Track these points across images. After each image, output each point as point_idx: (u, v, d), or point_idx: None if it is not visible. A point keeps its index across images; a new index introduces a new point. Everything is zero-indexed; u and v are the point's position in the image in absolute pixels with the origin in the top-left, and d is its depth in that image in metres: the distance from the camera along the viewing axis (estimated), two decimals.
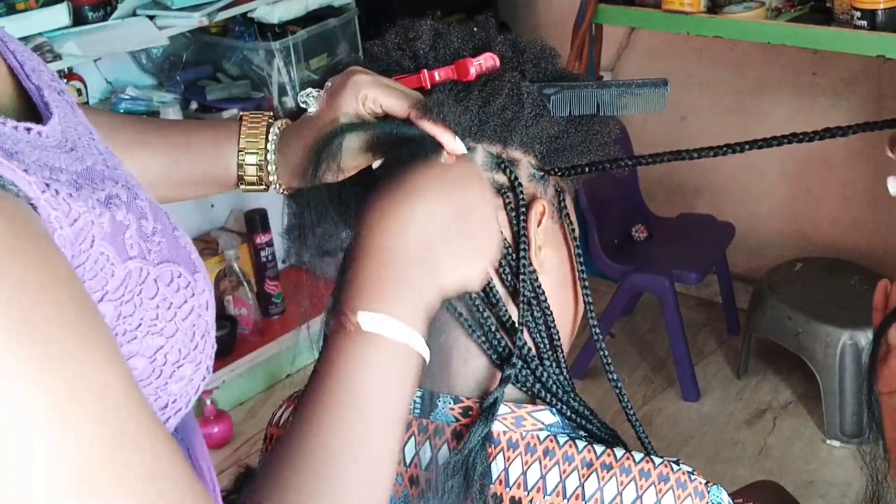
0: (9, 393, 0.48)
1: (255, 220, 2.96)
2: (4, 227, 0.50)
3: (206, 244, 2.99)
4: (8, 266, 0.49)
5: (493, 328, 0.83)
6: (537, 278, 0.84)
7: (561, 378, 0.85)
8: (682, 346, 2.82)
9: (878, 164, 2.98)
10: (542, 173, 0.86)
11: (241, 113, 0.93)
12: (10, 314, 0.48)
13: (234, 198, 3.08)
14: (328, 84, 0.84)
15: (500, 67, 0.83)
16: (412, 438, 0.83)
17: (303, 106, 0.85)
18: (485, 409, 0.80)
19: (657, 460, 0.80)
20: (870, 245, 2.99)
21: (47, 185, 0.56)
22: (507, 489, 0.80)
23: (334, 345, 0.69)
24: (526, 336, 0.84)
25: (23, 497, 0.48)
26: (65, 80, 2.53)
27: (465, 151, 0.80)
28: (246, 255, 2.98)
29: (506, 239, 0.83)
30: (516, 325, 0.82)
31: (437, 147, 0.79)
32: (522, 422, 0.82)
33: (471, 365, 0.84)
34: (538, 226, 0.84)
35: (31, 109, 0.66)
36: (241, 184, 0.92)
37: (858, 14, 2.38)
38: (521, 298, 0.82)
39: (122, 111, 2.65)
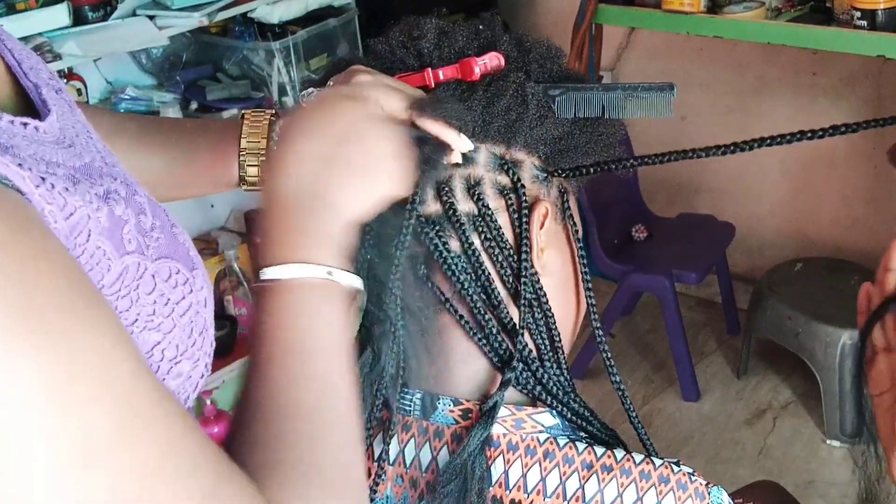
0: (11, 373, 0.48)
1: (256, 220, 2.96)
2: (2, 216, 0.50)
3: (206, 244, 2.99)
4: (4, 251, 0.49)
5: (495, 330, 0.82)
6: (539, 280, 0.84)
7: (561, 379, 0.85)
8: (682, 346, 2.82)
9: (879, 164, 2.98)
10: (545, 175, 0.85)
11: (242, 112, 0.93)
12: (8, 298, 0.48)
13: (234, 198, 3.08)
14: (330, 83, 0.83)
15: (505, 67, 0.83)
16: (412, 440, 0.83)
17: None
18: (484, 412, 0.79)
19: (658, 462, 0.80)
20: (870, 245, 2.99)
21: (43, 178, 0.56)
22: (508, 492, 0.79)
23: (258, 307, 0.69)
24: (527, 338, 0.84)
25: (27, 476, 0.48)
26: (65, 80, 2.53)
27: (472, 147, 0.80)
28: (246, 255, 2.98)
29: (508, 241, 0.83)
30: (517, 327, 0.82)
31: (440, 146, 0.78)
32: (522, 424, 0.82)
33: (471, 367, 0.84)
34: (541, 228, 0.84)
35: (28, 107, 0.66)
36: (243, 184, 0.92)
37: (858, 14, 2.38)
38: (523, 301, 0.82)
39: (122, 111, 2.65)
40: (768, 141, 0.83)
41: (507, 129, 0.82)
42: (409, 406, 0.84)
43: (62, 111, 0.67)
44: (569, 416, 0.84)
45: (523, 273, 0.82)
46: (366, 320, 0.83)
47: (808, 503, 2.41)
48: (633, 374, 2.99)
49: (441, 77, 0.82)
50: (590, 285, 0.89)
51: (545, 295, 0.84)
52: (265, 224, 0.70)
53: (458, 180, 0.82)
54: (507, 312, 0.82)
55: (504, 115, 0.81)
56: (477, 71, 0.82)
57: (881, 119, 0.83)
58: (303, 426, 0.64)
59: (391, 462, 0.83)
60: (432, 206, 0.82)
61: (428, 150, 0.77)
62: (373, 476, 0.82)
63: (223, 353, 2.72)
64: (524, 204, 0.83)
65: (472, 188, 0.82)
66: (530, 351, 0.84)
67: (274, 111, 0.92)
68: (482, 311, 0.82)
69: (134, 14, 2.62)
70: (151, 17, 2.58)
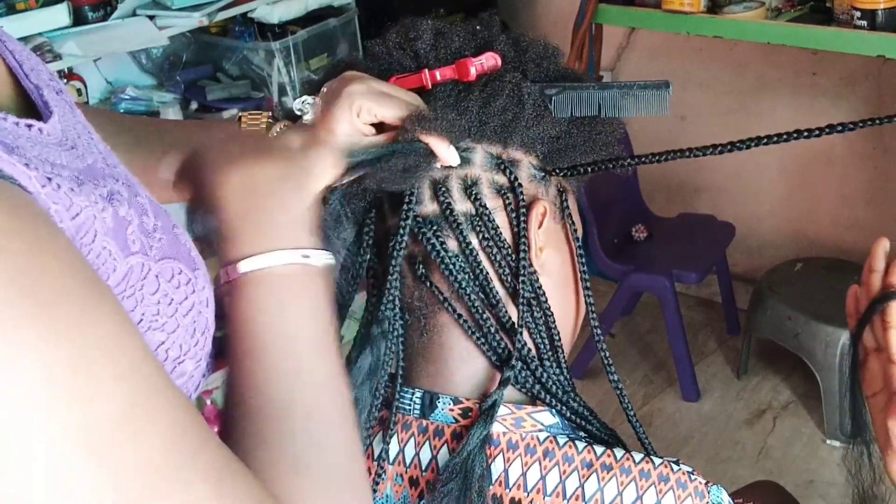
0: (16, 362, 0.48)
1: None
2: (7, 212, 0.50)
3: (206, 244, 2.98)
4: (8, 244, 0.49)
5: (493, 329, 0.82)
6: (538, 279, 0.84)
7: (561, 378, 0.85)
8: (682, 346, 2.82)
9: (879, 163, 2.98)
10: (543, 174, 0.86)
11: (239, 114, 0.93)
12: (12, 288, 0.48)
13: None
14: (324, 90, 0.83)
15: (501, 67, 0.83)
16: (412, 439, 0.83)
17: (298, 113, 0.85)
18: (484, 410, 0.79)
19: (657, 460, 0.80)
20: (870, 245, 2.96)
21: (49, 178, 0.56)
22: (507, 490, 0.79)
23: (230, 304, 0.68)
24: (526, 337, 0.84)
25: (27, 472, 0.48)
26: (65, 80, 2.53)
27: (459, 162, 0.80)
28: None
29: (506, 240, 0.83)
30: (516, 326, 0.82)
31: (430, 155, 0.79)
32: (522, 423, 0.82)
33: (470, 366, 0.84)
34: (539, 227, 0.84)
35: (30, 109, 0.66)
36: None
37: (858, 14, 2.38)
38: (521, 300, 0.82)
39: (122, 111, 2.65)
40: (766, 140, 0.83)
41: (504, 129, 0.82)
42: (409, 405, 0.84)
43: (63, 113, 0.67)
44: (568, 414, 0.84)
45: (521, 272, 0.82)
46: (365, 320, 0.83)
47: (807, 503, 2.41)
48: (633, 374, 2.99)
49: (438, 78, 0.82)
50: (588, 285, 0.89)
51: (544, 294, 0.84)
52: (221, 223, 0.70)
53: (455, 180, 0.82)
54: (506, 311, 0.82)
55: (500, 115, 0.81)
56: (473, 71, 0.82)
57: (878, 118, 0.83)
58: (296, 423, 0.64)
59: (391, 461, 0.83)
60: (429, 206, 0.82)
61: (417, 159, 0.78)
62: (373, 475, 0.83)
63: (224, 352, 2.72)
64: (522, 203, 0.83)
65: (470, 188, 0.82)
66: (529, 350, 0.84)
67: (271, 113, 0.92)
68: (480, 311, 0.82)
69: (134, 14, 2.62)
70: (151, 17, 2.59)
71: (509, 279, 0.83)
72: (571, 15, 2.92)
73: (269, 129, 0.90)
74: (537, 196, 0.85)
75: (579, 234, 0.89)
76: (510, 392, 0.82)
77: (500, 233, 0.82)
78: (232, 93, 2.77)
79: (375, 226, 0.84)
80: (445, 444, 0.81)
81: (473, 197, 0.82)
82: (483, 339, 0.83)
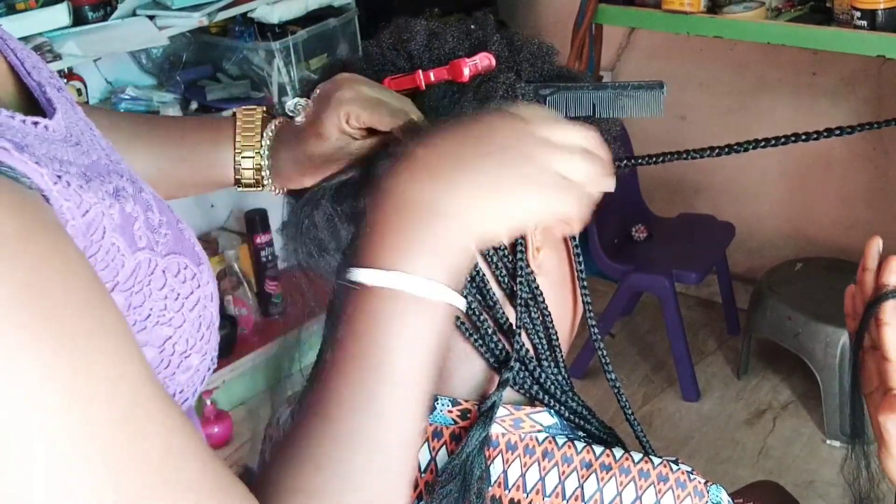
0: (21, 372, 0.48)
1: (255, 221, 2.96)
2: (17, 215, 0.50)
3: (206, 244, 2.99)
4: (21, 252, 0.49)
5: (490, 331, 0.82)
6: (535, 279, 0.84)
7: (559, 379, 0.85)
8: (682, 346, 2.82)
9: (879, 164, 2.98)
10: None
11: (234, 110, 0.92)
12: (22, 298, 0.48)
13: (234, 198, 3.08)
14: (316, 92, 0.83)
15: (495, 67, 0.83)
16: None
17: (291, 115, 0.85)
18: (483, 412, 0.79)
19: (656, 460, 0.80)
20: None
21: (59, 176, 0.56)
22: (507, 491, 0.79)
23: (350, 306, 0.63)
24: (524, 338, 0.83)
25: (27, 476, 0.48)
26: (65, 80, 2.53)
27: None
28: (246, 255, 2.98)
29: (501, 241, 0.83)
30: (514, 327, 0.82)
31: None
32: (521, 424, 0.82)
33: (468, 367, 0.84)
34: (535, 227, 0.84)
35: (32, 106, 0.67)
36: (238, 185, 0.92)
37: (858, 14, 2.38)
38: (519, 301, 0.82)
39: (121, 111, 2.65)
40: (765, 142, 0.83)
41: None
42: None
43: (66, 109, 0.67)
44: (567, 415, 0.84)
45: (519, 273, 0.82)
46: None
47: (807, 503, 2.41)
48: (633, 374, 2.99)
49: (432, 79, 0.82)
50: (586, 284, 0.89)
51: (542, 294, 0.84)
52: (374, 220, 0.64)
53: None
54: (503, 313, 0.82)
55: None
56: (466, 72, 0.82)
57: (878, 122, 0.83)
58: (357, 454, 0.60)
59: None
60: None
61: None
62: None
63: (224, 352, 2.72)
64: None
65: None
66: (527, 351, 0.83)
67: (265, 108, 0.92)
68: (477, 312, 0.82)
69: (134, 14, 2.62)
70: (151, 17, 2.58)
71: (506, 280, 0.83)
72: (571, 15, 2.92)
73: (264, 125, 0.90)
74: None
75: (576, 233, 0.89)
76: (508, 393, 0.82)
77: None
78: (232, 93, 2.77)
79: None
80: (444, 446, 0.81)
81: None
82: (481, 341, 0.82)
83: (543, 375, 0.84)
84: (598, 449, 0.80)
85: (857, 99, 2.93)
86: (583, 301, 0.89)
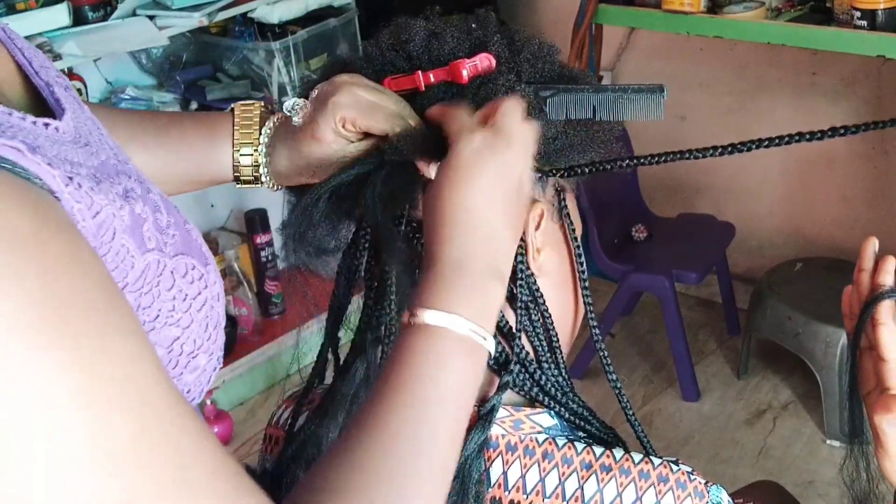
0: (30, 370, 0.48)
1: (255, 220, 2.96)
2: (33, 215, 0.51)
3: (207, 244, 2.98)
4: (34, 252, 0.49)
5: None
6: (535, 281, 0.83)
7: (560, 380, 0.85)
8: (682, 346, 2.82)
9: (879, 164, 2.98)
10: (539, 175, 0.85)
11: (231, 105, 0.92)
12: (35, 298, 0.48)
13: (234, 198, 3.08)
14: (314, 93, 0.83)
15: (495, 68, 0.83)
16: None
17: (288, 115, 0.85)
18: (482, 415, 0.79)
19: (656, 461, 0.80)
20: None
21: (70, 178, 0.56)
22: (507, 493, 0.79)
23: (404, 341, 0.67)
24: (524, 341, 0.83)
25: (31, 465, 0.48)
26: None
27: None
28: (246, 255, 2.98)
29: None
30: (514, 330, 0.82)
31: (416, 173, 0.79)
32: (521, 425, 0.81)
33: None
34: (536, 229, 0.83)
35: (40, 106, 0.66)
36: (237, 182, 0.92)
37: (858, 14, 2.37)
38: (519, 304, 0.82)
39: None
40: (766, 142, 0.83)
41: None
42: None
43: (73, 109, 0.67)
44: (567, 416, 0.84)
45: (519, 276, 0.81)
46: (360, 325, 0.83)
47: (807, 503, 2.41)
48: (633, 375, 2.99)
49: (431, 79, 0.82)
50: (587, 284, 0.89)
51: (542, 296, 0.84)
52: (431, 261, 0.70)
53: None
54: (503, 316, 0.82)
55: None
56: (465, 74, 0.81)
57: (880, 121, 0.83)
58: (389, 483, 0.63)
59: None
60: None
61: (405, 178, 0.78)
62: None
63: (224, 352, 2.72)
64: None
65: None
66: (527, 353, 0.83)
67: (263, 103, 0.92)
68: None
69: (134, 14, 2.62)
70: (151, 17, 2.59)
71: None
72: (571, 15, 2.92)
73: (262, 120, 0.90)
74: (534, 197, 0.84)
75: (578, 233, 0.89)
76: (508, 394, 0.82)
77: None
78: (232, 93, 2.77)
79: (372, 228, 0.83)
80: None
81: None
82: None
83: (544, 377, 0.83)
84: (599, 450, 0.80)
85: (857, 99, 2.93)
86: (584, 301, 0.89)
